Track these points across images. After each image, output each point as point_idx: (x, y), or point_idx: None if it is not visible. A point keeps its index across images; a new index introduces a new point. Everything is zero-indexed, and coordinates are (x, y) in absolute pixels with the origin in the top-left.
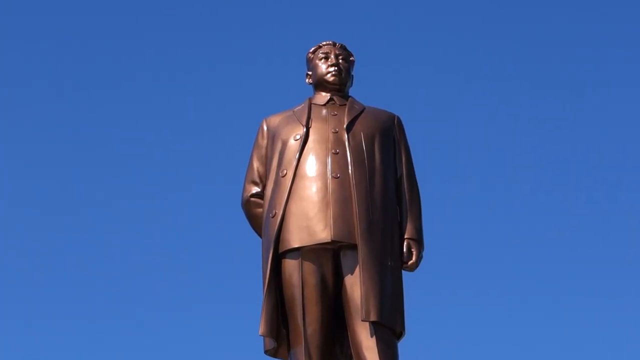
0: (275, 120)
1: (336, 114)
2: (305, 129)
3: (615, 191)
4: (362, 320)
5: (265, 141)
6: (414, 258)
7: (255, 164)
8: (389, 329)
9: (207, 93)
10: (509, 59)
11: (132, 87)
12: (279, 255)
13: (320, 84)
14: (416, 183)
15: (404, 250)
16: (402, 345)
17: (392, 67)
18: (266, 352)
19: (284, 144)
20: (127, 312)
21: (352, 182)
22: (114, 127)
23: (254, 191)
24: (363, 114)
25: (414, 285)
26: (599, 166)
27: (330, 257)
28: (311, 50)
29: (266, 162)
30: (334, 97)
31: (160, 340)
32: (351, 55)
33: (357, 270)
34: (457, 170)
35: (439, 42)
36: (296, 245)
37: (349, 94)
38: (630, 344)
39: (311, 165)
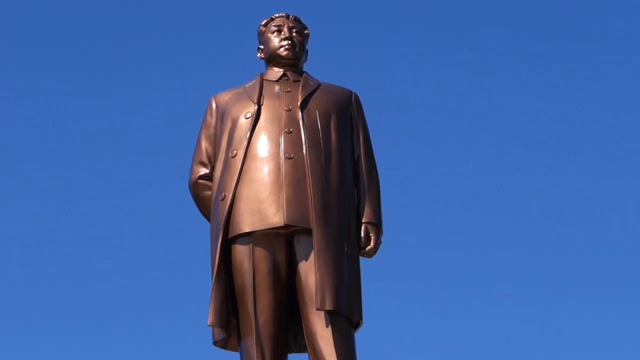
0: (224, 97)
1: (289, 91)
2: (256, 107)
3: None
4: (317, 309)
5: (214, 120)
6: (372, 243)
7: (204, 144)
8: (345, 319)
9: (151, 68)
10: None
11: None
12: (229, 240)
13: (272, 59)
14: (375, 164)
15: (362, 235)
16: (359, 335)
17: (349, 41)
18: (215, 343)
19: (234, 122)
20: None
21: (307, 163)
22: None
23: (202, 172)
24: (318, 90)
25: (372, 273)
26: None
27: (283, 242)
28: (263, 23)
29: (215, 142)
30: (287, 73)
31: (101, 333)
32: (305, 28)
33: (311, 257)
34: (418, 150)
35: (394, 17)
36: (247, 230)
37: (304, 70)
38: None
39: (263, 145)
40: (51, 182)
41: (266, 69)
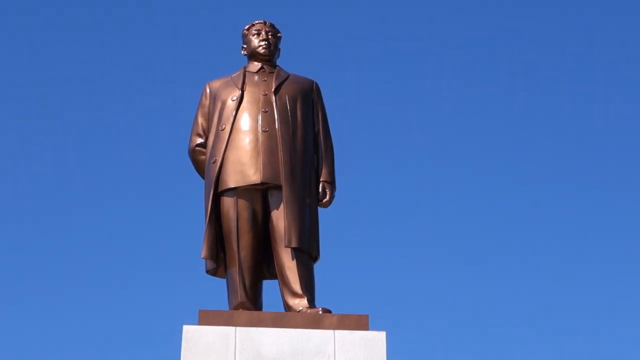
0: (216, 84)
1: (266, 80)
2: (240, 92)
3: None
4: (285, 247)
5: (208, 101)
6: (327, 197)
7: (200, 120)
8: (306, 254)
9: (166, 62)
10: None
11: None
12: (218, 194)
13: (253, 55)
14: (330, 136)
15: (320, 190)
16: (317, 266)
17: (312, 41)
18: (207, 271)
19: (223, 103)
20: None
21: (278, 135)
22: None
23: (198, 142)
24: (288, 80)
25: (328, 218)
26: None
27: (260, 196)
28: (246, 28)
29: (208, 118)
30: (264, 66)
31: (131, 272)
32: (279, 32)
33: (281, 206)
34: (362, 125)
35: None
36: (232, 186)
37: (277, 64)
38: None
39: (245, 121)
40: None
41: (248, 63)
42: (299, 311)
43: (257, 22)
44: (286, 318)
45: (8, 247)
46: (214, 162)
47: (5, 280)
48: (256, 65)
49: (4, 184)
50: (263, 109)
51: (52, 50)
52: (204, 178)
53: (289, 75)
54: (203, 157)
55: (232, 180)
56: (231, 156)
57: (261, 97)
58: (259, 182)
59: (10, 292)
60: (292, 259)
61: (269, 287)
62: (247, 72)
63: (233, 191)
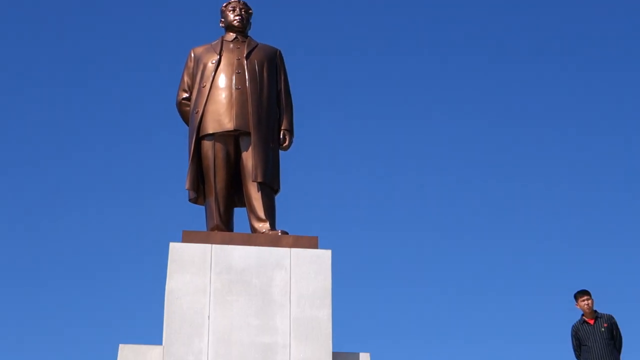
0: (199, 50)
1: (239, 47)
2: (218, 57)
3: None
4: (252, 181)
5: (192, 63)
6: (287, 142)
7: (186, 78)
8: (269, 187)
9: (159, 33)
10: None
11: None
12: (200, 138)
13: (229, 27)
14: (290, 94)
15: (281, 136)
16: (278, 197)
17: (276, 17)
18: (190, 200)
19: (205, 65)
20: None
21: (249, 92)
22: None
23: (184, 96)
24: (257, 48)
25: (287, 160)
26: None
27: (232, 140)
28: (224, 5)
29: (192, 77)
30: (238, 36)
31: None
32: (250, 9)
33: (250, 149)
34: (317, 85)
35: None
36: (211, 132)
37: (248, 35)
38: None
39: (222, 80)
40: None
41: (225, 33)
42: (263, 233)
43: (232, 0)
44: (252, 238)
45: None
46: (196, 113)
47: None
48: (231, 36)
49: None
50: (237, 71)
51: (47, 46)
52: (188, 125)
53: (257, 44)
54: (187, 108)
55: (210, 127)
56: (210, 108)
57: (235, 61)
58: (232, 129)
59: None
60: (258, 191)
61: (239, 213)
62: (224, 41)
63: (211, 136)
